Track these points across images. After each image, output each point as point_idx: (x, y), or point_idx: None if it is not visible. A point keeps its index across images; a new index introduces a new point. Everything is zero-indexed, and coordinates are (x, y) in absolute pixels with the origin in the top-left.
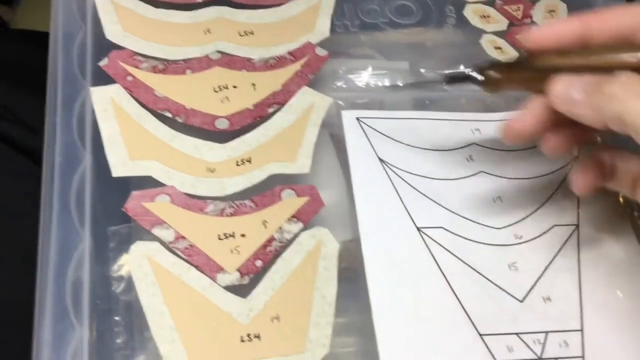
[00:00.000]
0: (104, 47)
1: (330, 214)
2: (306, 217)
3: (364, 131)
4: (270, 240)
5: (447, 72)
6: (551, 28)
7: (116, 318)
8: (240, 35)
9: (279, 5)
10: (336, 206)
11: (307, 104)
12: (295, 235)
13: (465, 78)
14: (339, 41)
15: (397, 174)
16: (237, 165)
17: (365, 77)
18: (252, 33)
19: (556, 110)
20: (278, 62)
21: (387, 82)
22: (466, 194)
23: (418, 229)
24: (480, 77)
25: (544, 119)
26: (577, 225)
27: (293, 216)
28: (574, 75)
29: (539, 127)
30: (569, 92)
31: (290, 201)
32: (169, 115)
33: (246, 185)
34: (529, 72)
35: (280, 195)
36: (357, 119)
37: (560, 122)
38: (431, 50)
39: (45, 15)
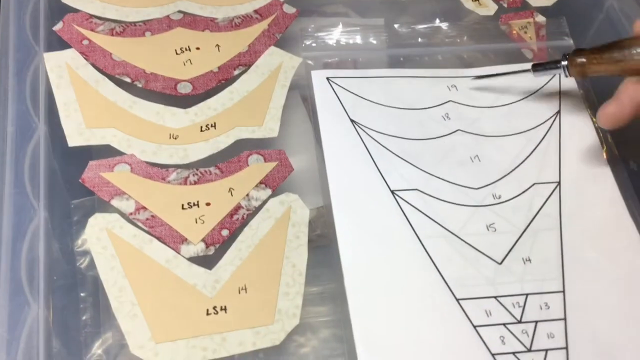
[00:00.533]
0: (59, 10)
1: (301, 179)
2: (274, 183)
3: (334, 91)
4: (237, 208)
5: (533, 62)
6: None
7: (82, 294)
8: None
9: None
10: (308, 171)
11: (275, 65)
12: (264, 202)
13: (551, 65)
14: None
15: (369, 135)
16: (201, 130)
17: (336, 35)
18: None
19: None
20: (243, 21)
21: (359, 40)
22: (442, 154)
23: (392, 192)
24: (564, 63)
25: (636, 100)
26: (559, 183)
27: (261, 182)
28: None
29: (633, 109)
30: None
31: (258, 167)
32: (128, 80)
33: (211, 152)
34: (614, 53)
35: (247, 161)
36: (328, 79)
37: None
38: (407, 6)
39: None
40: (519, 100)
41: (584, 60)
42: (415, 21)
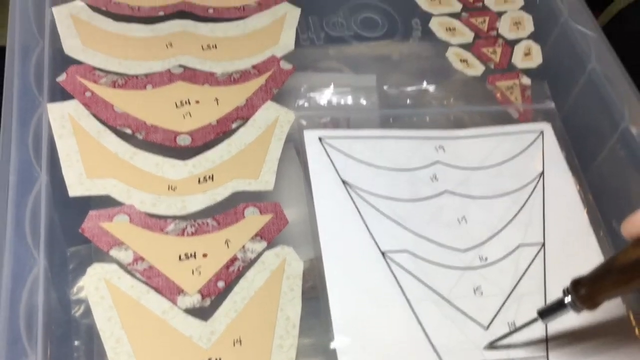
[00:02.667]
0: (62, 62)
1: (295, 231)
2: (270, 235)
3: (326, 152)
4: (233, 259)
5: (539, 309)
6: None
7: (76, 343)
8: (203, 49)
9: (243, 18)
10: (301, 223)
11: (271, 119)
12: (259, 255)
13: (557, 307)
14: (305, 54)
15: (360, 196)
16: (199, 182)
17: (327, 95)
18: (215, 47)
19: None
20: (242, 76)
21: (350, 100)
22: (431, 215)
23: (382, 253)
24: (568, 300)
25: None
26: (543, 244)
27: (257, 234)
28: None
29: None
30: None
31: (254, 219)
32: (129, 131)
33: (208, 204)
34: (619, 276)
35: (243, 213)
36: (320, 139)
37: None
38: (398, 64)
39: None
40: (504, 162)
41: (586, 292)
42: (406, 78)
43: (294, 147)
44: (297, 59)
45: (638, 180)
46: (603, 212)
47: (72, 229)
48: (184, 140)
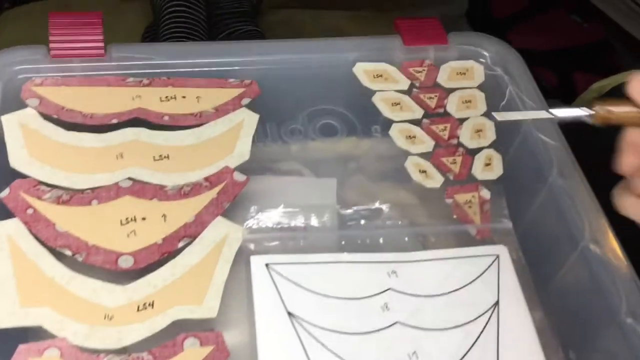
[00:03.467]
0: (7, 175)
1: (238, 354)
2: None
3: (273, 280)
4: None
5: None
6: None
7: None
8: (155, 160)
9: (199, 125)
10: (243, 348)
11: (220, 237)
12: None
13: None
14: (265, 154)
15: (306, 330)
16: (138, 310)
17: (277, 216)
18: (167, 157)
19: None
20: (193, 190)
21: (300, 222)
22: (380, 350)
23: None
24: (588, 113)
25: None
26: None
27: None
28: None
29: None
30: None
31: (193, 352)
32: (69, 253)
33: (146, 334)
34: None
35: (182, 346)
36: (267, 265)
37: None
38: (360, 168)
39: None
40: (458, 289)
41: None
42: (368, 180)
43: (243, 260)
44: (256, 159)
45: (597, 303)
46: (561, 338)
47: (5, 352)
48: (126, 262)
